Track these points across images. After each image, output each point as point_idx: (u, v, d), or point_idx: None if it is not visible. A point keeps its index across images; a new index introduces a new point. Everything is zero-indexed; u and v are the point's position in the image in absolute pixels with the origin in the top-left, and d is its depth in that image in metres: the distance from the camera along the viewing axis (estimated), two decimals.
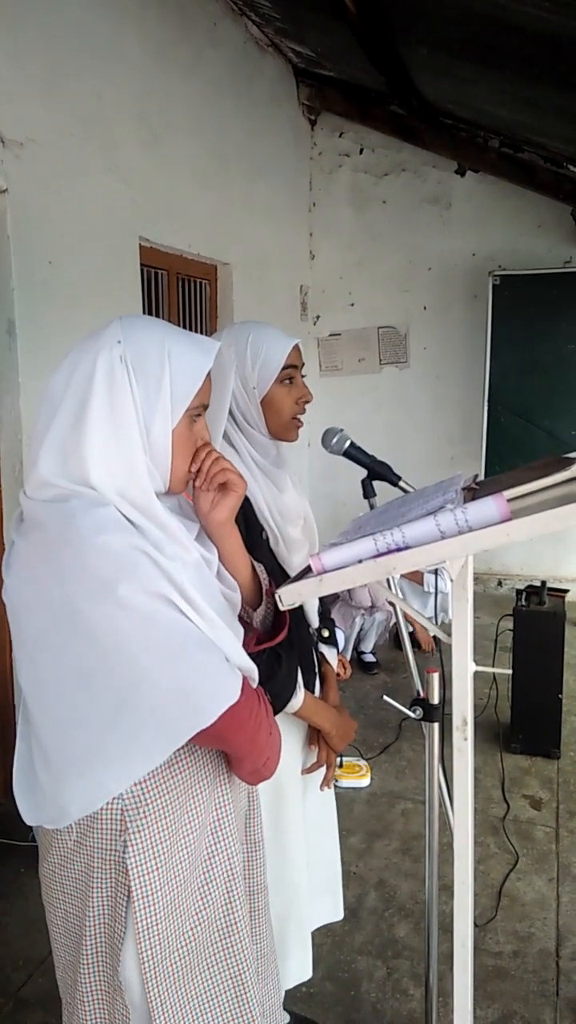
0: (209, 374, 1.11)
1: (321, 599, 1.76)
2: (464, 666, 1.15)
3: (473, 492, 1.25)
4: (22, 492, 1.09)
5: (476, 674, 1.19)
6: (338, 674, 1.79)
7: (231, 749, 1.12)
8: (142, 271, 3.48)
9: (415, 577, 4.09)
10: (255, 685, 1.16)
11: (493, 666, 3.68)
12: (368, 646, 4.26)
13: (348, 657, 4.13)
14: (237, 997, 1.18)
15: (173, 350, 1.07)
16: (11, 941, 2.21)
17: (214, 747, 1.13)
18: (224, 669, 1.05)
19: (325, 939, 2.19)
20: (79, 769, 1.03)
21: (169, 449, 1.08)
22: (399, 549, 1.00)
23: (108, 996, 1.12)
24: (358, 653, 4.26)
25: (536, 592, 3.30)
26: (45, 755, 1.07)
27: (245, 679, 1.09)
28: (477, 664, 1.22)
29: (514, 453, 4.82)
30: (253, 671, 1.15)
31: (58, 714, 1.04)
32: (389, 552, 1.01)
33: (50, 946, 1.21)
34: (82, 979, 1.12)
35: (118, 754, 1.01)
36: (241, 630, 1.17)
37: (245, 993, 1.19)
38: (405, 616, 2.18)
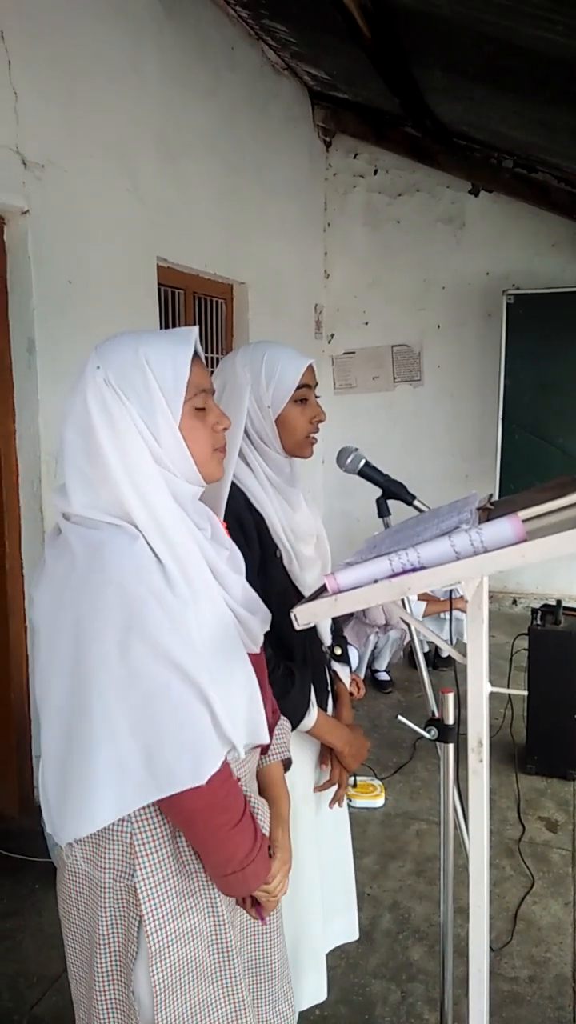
0: (198, 356, 1.12)
1: (334, 618, 1.76)
2: (479, 687, 1.15)
3: (488, 512, 1.25)
4: (59, 512, 1.11)
5: (491, 694, 1.19)
6: (352, 693, 1.79)
7: (188, 834, 1.08)
8: (159, 290, 3.52)
9: (434, 610, 4.06)
10: (255, 743, 1.15)
11: (508, 686, 3.66)
12: (382, 664, 4.24)
13: (362, 676, 4.11)
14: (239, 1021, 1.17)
15: (149, 354, 1.08)
16: (26, 958, 2.21)
17: (178, 827, 1.09)
18: (195, 749, 1.02)
19: (339, 961, 2.17)
20: (65, 793, 1.05)
21: (183, 445, 1.10)
22: (414, 569, 1.01)
23: (123, 1013, 1.12)
24: (372, 672, 4.25)
25: (552, 611, 3.28)
26: (44, 768, 1.09)
27: (226, 766, 1.07)
28: (492, 685, 1.22)
29: (528, 471, 4.81)
30: (256, 730, 1.15)
31: (51, 735, 1.06)
32: (404, 572, 1.01)
33: (64, 963, 1.21)
34: (97, 995, 1.12)
35: (82, 798, 1.02)
36: (248, 668, 1.16)
37: (241, 1017, 1.17)
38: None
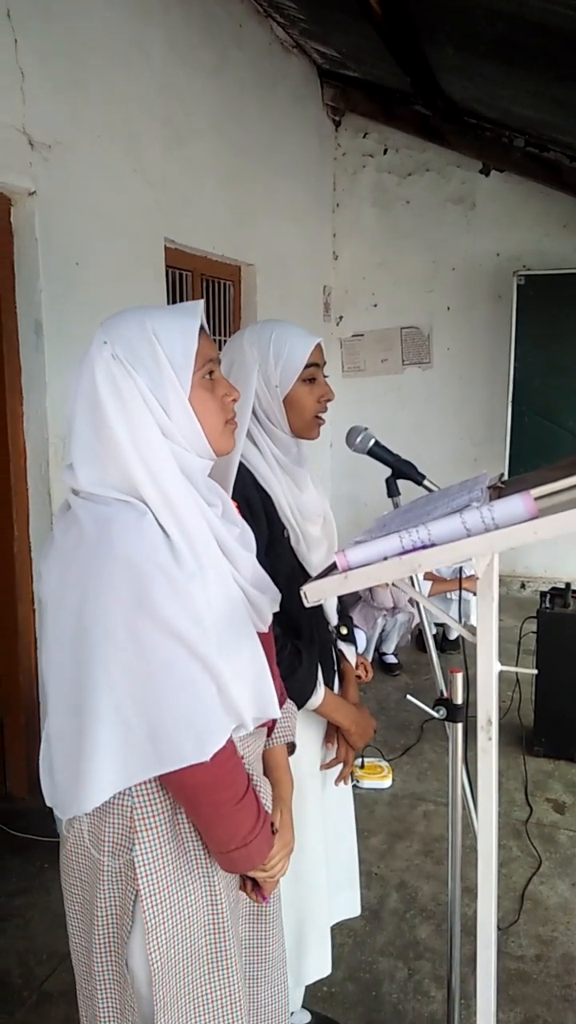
0: (203, 330, 1.12)
1: (341, 598, 1.76)
2: (489, 665, 1.14)
3: (499, 491, 1.24)
4: (69, 488, 1.11)
5: (501, 676, 1.18)
6: (359, 676, 1.79)
7: (191, 811, 1.09)
8: (167, 272, 3.50)
9: (440, 589, 4.07)
10: (265, 717, 1.15)
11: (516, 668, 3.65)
12: (390, 647, 4.24)
13: (370, 659, 4.12)
14: (230, 1000, 1.18)
15: (156, 327, 1.07)
16: (35, 935, 2.23)
17: (180, 803, 1.09)
18: (200, 725, 1.02)
19: (346, 939, 2.19)
20: (69, 767, 1.05)
21: (194, 418, 1.09)
22: (425, 546, 1.00)
23: (119, 984, 1.13)
24: (380, 655, 4.25)
25: (560, 594, 3.27)
26: (49, 744, 1.09)
27: (230, 744, 1.07)
28: (501, 664, 1.21)
29: (538, 454, 4.78)
30: (266, 704, 1.14)
31: (56, 711, 1.06)
32: (415, 549, 1.00)
33: None
34: (95, 966, 1.13)
35: (85, 771, 1.02)
36: (256, 643, 1.16)
37: (233, 996, 1.18)
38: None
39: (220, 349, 1.49)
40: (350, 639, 1.76)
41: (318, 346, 1.54)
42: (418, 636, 4.43)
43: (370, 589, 4.06)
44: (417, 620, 4.18)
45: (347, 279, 5.54)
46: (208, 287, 4.10)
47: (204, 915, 1.14)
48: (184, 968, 1.13)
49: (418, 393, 5.49)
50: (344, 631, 1.75)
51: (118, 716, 0.99)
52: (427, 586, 3.98)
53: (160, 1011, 1.09)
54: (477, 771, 1.22)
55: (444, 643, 4.45)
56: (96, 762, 1.01)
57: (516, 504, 0.95)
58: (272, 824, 1.20)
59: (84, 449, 1.07)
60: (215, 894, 1.14)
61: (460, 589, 1.74)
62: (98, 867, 1.11)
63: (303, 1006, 1.90)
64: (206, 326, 1.14)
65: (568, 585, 3.30)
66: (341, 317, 5.59)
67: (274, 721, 1.28)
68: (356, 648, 1.80)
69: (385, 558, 1.02)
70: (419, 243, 5.32)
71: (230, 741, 1.07)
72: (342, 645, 1.74)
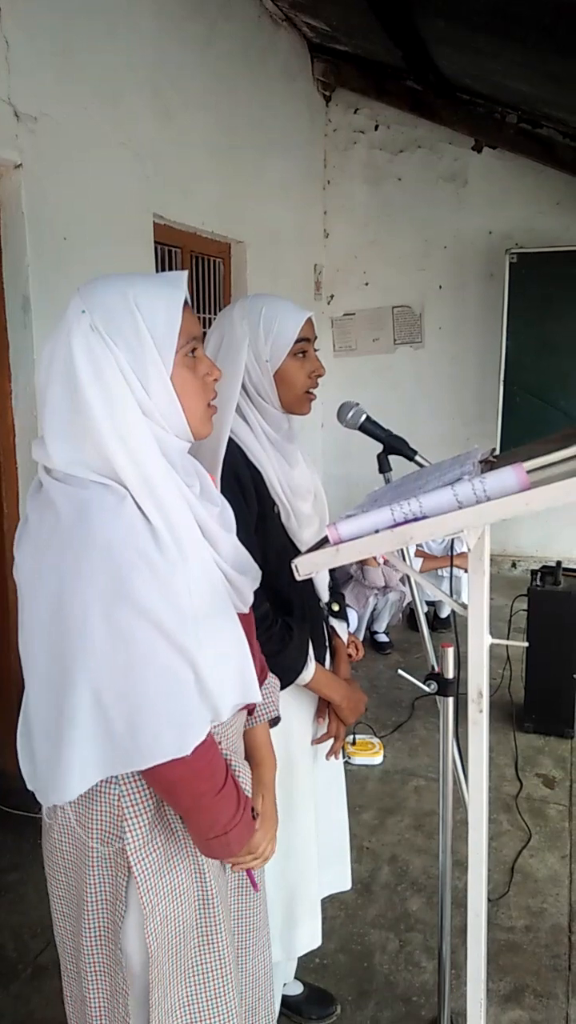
0: (187, 304, 1.06)
1: (333, 575, 1.76)
2: (480, 638, 1.15)
3: (491, 465, 1.24)
4: (40, 466, 1.06)
5: (491, 654, 1.19)
6: (350, 655, 1.79)
7: (171, 801, 1.07)
8: (156, 249, 3.46)
9: (430, 566, 4.09)
10: (243, 701, 1.12)
11: (506, 646, 3.68)
12: (381, 626, 4.26)
13: (361, 637, 4.14)
14: (220, 972, 1.18)
15: (139, 297, 1.02)
16: (29, 909, 2.25)
17: (159, 794, 1.08)
18: (180, 719, 1.00)
19: (338, 912, 2.21)
20: (49, 757, 1.02)
21: (175, 397, 1.04)
22: (416, 519, 1.00)
23: (109, 967, 1.12)
24: (371, 633, 4.27)
25: (551, 572, 3.29)
26: (29, 732, 1.06)
27: (209, 734, 1.05)
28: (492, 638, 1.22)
29: (530, 433, 4.78)
30: (248, 689, 1.11)
31: (35, 699, 1.03)
32: (406, 522, 1.00)
33: None
34: (84, 950, 1.12)
35: (65, 763, 0.99)
36: (238, 628, 1.13)
37: (223, 966, 1.18)
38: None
39: (208, 327, 1.46)
40: (342, 616, 1.77)
41: (309, 320, 1.52)
42: (409, 615, 4.45)
43: (361, 568, 4.07)
44: (408, 599, 4.19)
45: (338, 257, 5.49)
46: (197, 264, 4.05)
47: (193, 892, 1.13)
48: (176, 945, 1.12)
49: (409, 373, 5.48)
50: (336, 608, 1.75)
51: (98, 708, 0.97)
52: (418, 563, 4.00)
53: (154, 988, 1.09)
54: (468, 745, 1.23)
55: (435, 621, 4.47)
56: (76, 754, 0.98)
57: (508, 476, 0.95)
58: (253, 809, 1.19)
59: (58, 424, 1.01)
60: (202, 871, 1.14)
61: (452, 566, 1.74)
62: (86, 853, 1.10)
63: (296, 977, 1.93)
64: (189, 300, 1.09)
65: (559, 563, 3.32)
66: (332, 296, 5.55)
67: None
68: (348, 625, 1.81)
69: (377, 531, 1.02)
70: (411, 221, 5.28)
71: (209, 732, 1.05)
72: (334, 622, 1.74)
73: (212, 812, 1.07)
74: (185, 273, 1.10)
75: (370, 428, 1.64)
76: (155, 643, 0.97)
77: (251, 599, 1.19)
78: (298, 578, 1.07)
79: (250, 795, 1.20)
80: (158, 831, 1.09)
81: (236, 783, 1.13)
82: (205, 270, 4.15)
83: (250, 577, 1.17)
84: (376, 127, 5.29)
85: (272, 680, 1.36)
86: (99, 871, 1.09)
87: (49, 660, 0.99)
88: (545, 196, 4.95)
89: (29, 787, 1.09)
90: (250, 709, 1.27)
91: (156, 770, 1.01)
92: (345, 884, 1.87)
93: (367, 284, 5.48)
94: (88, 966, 1.12)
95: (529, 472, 0.98)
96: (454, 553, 3.61)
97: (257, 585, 1.21)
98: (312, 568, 1.06)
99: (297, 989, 1.92)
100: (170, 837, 1.11)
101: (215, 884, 1.16)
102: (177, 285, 1.06)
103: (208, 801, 1.06)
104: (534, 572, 3.32)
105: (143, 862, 1.07)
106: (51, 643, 0.98)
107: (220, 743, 1.14)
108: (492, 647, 1.18)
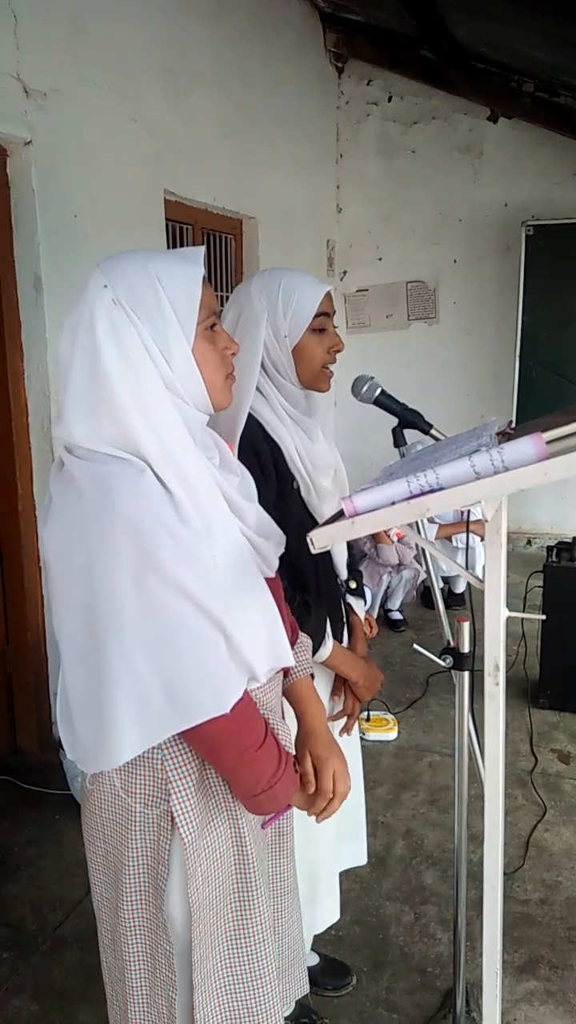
0: (205, 279, 1.08)
1: (350, 552, 1.75)
2: (497, 610, 1.14)
3: (508, 436, 1.22)
4: (61, 444, 1.07)
5: (506, 629, 1.18)
6: (364, 633, 1.79)
7: (214, 760, 1.10)
8: (167, 225, 3.44)
9: (445, 533, 4.08)
10: (277, 666, 1.15)
11: (522, 622, 3.67)
12: (395, 604, 4.26)
13: (375, 615, 4.14)
14: (260, 930, 1.21)
15: (161, 272, 1.03)
16: (48, 884, 2.28)
17: (202, 755, 1.10)
18: (217, 679, 1.02)
19: (353, 885, 2.23)
20: (90, 728, 1.05)
21: (196, 371, 1.06)
22: (433, 490, 0.99)
23: (151, 931, 1.15)
24: (385, 611, 4.27)
25: (567, 548, 3.27)
26: (68, 704, 1.09)
27: (247, 695, 1.07)
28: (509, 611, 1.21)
29: (547, 409, 4.68)
30: (280, 653, 1.15)
31: (72, 673, 1.06)
32: (423, 494, 0.99)
33: (85, 889, 1.24)
34: (124, 915, 1.15)
35: (107, 733, 1.02)
36: (267, 595, 1.15)
37: (261, 925, 1.21)
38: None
39: (222, 305, 1.45)
40: (359, 593, 1.76)
41: (328, 295, 1.50)
42: (423, 592, 4.44)
43: (375, 546, 4.06)
44: (423, 576, 4.18)
45: (351, 232, 5.43)
46: (209, 241, 4.02)
47: (232, 853, 1.16)
48: (216, 904, 1.16)
49: (424, 349, 5.42)
50: (353, 585, 1.75)
51: (135, 678, 0.99)
52: (432, 530, 3.98)
53: (196, 947, 1.12)
54: (483, 720, 1.23)
55: (450, 597, 4.46)
56: (117, 725, 1.00)
57: (527, 445, 0.94)
58: (294, 764, 1.22)
59: (79, 400, 1.03)
60: (241, 833, 1.16)
61: (467, 532, 1.72)
62: (129, 816, 1.12)
63: (312, 949, 1.95)
64: (206, 276, 1.11)
65: (575, 539, 3.29)
66: (345, 272, 5.50)
67: None
68: (365, 602, 1.80)
69: (393, 503, 1.01)
70: (425, 194, 5.21)
71: (246, 690, 1.08)
72: (351, 599, 1.74)
73: (256, 767, 1.09)
74: (203, 249, 1.10)
75: (385, 402, 1.63)
76: (184, 611, 0.99)
77: (276, 563, 1.21)
78: (313, 551, 1.06)
79: (292, 752, 1.22)
80: (199, 794, 1.12)
81: (276, 739, 1.15)
82: (216, 247, 4.12)
83: (274, 542, 1.20)
84: (389, 98, 5.20)
85: (304, 639, 1.39)
86: (142, 834, 1.12)
87: (83, 633, 1.01)
88: (562, 167, 4.86)
89: (70, 757, 1.11)
90: (285, 671, 1.29)
91: (197, 730, 1.03)
92: (361, 859, 1.88)
93: (380, 259, 5.42)
94: (128, 930, 1.15)
95: (548, 443, 0.97)
96: (469, 520, 3.59)
97: (282, 550, 1.22)
98: (328, 541, 1.05)
99: (313, 960, 1.95)
100: (210, 799, 1.13)
101: (253, 847, 1.18)
102: (195, 261, 1.07)
103: (250, 756, 1.08)
104: (549, 548, 3.30)
105: (189, 823, 1.09)
106: (84, 617, 1.00)
107: (258, 705, 1.15)
108: (507, 623, 1.17)
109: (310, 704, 1.32)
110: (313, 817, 1.27)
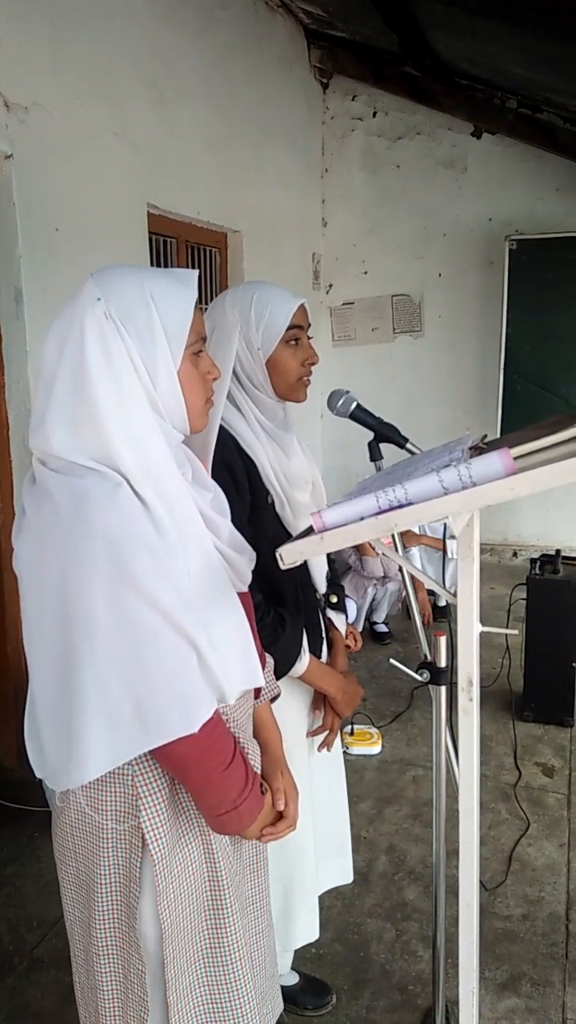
0: (197, 304, 1.08)
1: (332, 566, 1.75)
2: (470, 626, 1.13)
3: (481, 451, 1.22)
4: (35, 458, 1.07)
5: (490, 643, 1.17)
6: (348, 646, 1.78)
7: (181, 778, 1.09)
8: (150, 239, 3.44)
9: (415, 543, 4.09)
10: (249, 686, 1.15)
11: (507, 636, 3.66)
12: (380, 616, 4.25)
13: (360, 628, 4.13)
14: (232, 950, 1.20)
15: (155, 291, 1.03)
16: (25, 903, 2.25)
17: (170, 772, 1.10)
18: (186, 697, 1.01)
19: (335, 902, 2.21)
20: (59, 744, 1.04)
21: (179, 393, 1.06)
22: (401, 506, 0.98)
23: (123, 950, 1.14)
24: (370, 624, 4.26)
25: (551, 561, 3.27)
26: (35, 719, 1.09)
27: (216, 714, 1.06)
28: (484, 626, 1.20)
29: (530, 422, 4.67)
30: (252, 673, 1.15)
31: (42, 687, 1.05)
32: (391, 509, 0.99)
33: (63, 908, 1.23)
34: (96, 935, 1.14)
35: (75, 749, 1.01)
36: (241, 613, 1.15)
37: (234, 945, 1.20)
38: (415, 583, 2.16)
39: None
40: (340, 608, 1.75)
41: (302, 307, 1.50)
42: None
43: (360, 559, 4.05)
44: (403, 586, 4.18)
45: (337, 246, 5.46)
46: (193, 255, 4.03)
47: (203, 871, 1.15)
48: (188, 923, 1.14)
49: (409, 362, 5.44)
50: (333, 599, 1.74)
51: (104, 694, 0.98)
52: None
53: (169, 965, 1.11)
54: (459, 730, 1.22)
55: (435, 611, 4.46)
56: (85, 741, 1.00)
57: (494, 461, 0.94)
58: (261, 785, 1.21)
59: (61, 408, 1.02)
60: (212, 851, 1.16)
61: (444, 548, 1.72)
62: (100, 834, 1.11)
63: (292, 968, 1.92)
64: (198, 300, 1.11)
65: (558, 552, 3.30)
66: (331, 285, 5.52)
67: None
68: (347, 617, 1.79)
69: (362, 518, 1.01)
70: (410, 209, 5.24)
71: (216, 709, 1.07)
72: (331, 613, 1.73)
73: (222, 787, 1.09)
74: (196, 272, 1.11)
75: (360, 416, 1.63)
76: (157, 626, 0.99)
77: (249, 578, 1.21)
78: (282, 567, 1.06)
79: (259, 772, 1.21)
80: (170, 810, 1.11)
81: (244, 758, 1.14)
82: (201, 260, 4.12)
83: (247, 556, 1.20)
84: (374, 114, 5.25)
85: (268, 660, 1.38)
86: (112, 851, 1.11)
87: (54, 647, 1.01)
88: (545, 182, 4.91)
89: (38, 775, 1.11)
90: (256, 690, 1.28)
91: (165, 749, 1.02)
92: (347, 878, 1.86)
93: (366, 273, 5.44)
94: (101, 949, 1.14)
95: (517, 458, 0.97)
96: (445, 534, 3.59)
97: (253, 564, 1.22)
98: (296, 557, 1.05)
99: (293, 980, 1.92)
100: (181, 816, 1.12)
101: (225, 865, 1.17)
102: (189, 284, 1.08)
103: (217, 776, 1.08)
104: (533, 560, 3.31)
105: (158, 839, 1.08)
106: (56, 631, 1.00)
107: (229, 723, 1.15)
108: (491, 636, 1.17)
109: (271, 732, 1.33)
110: (290, 832, 1.26)
